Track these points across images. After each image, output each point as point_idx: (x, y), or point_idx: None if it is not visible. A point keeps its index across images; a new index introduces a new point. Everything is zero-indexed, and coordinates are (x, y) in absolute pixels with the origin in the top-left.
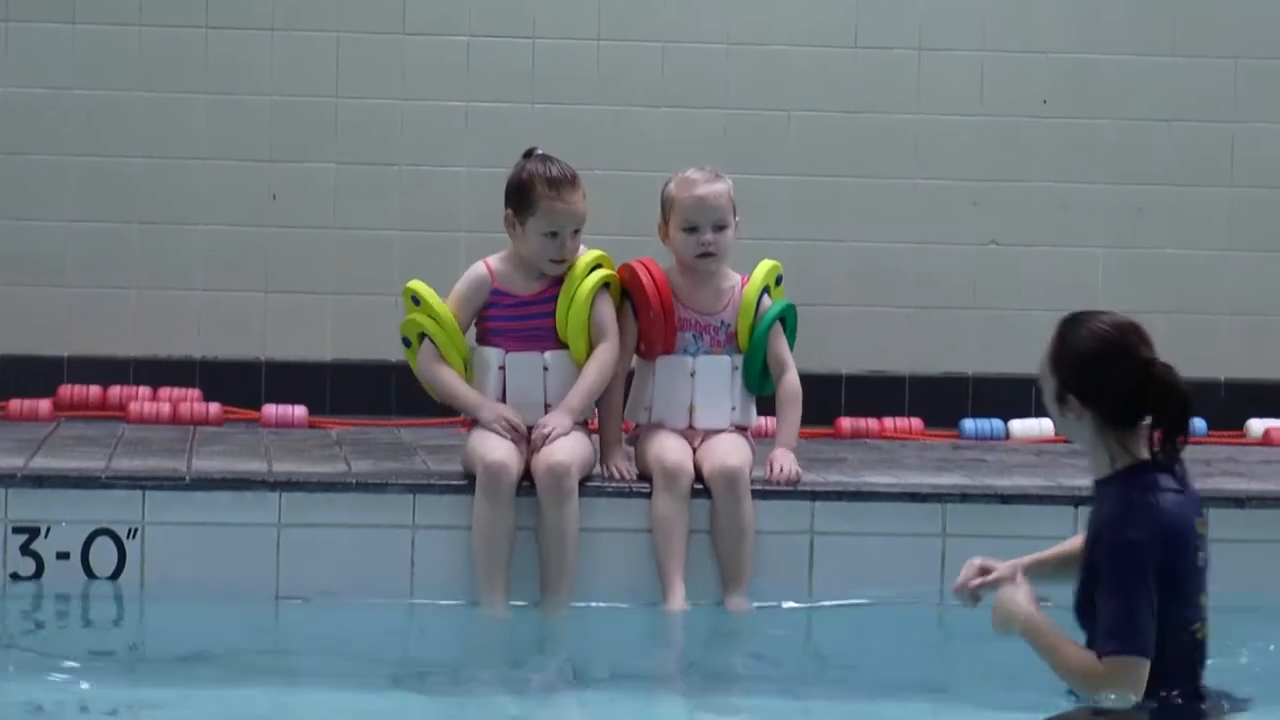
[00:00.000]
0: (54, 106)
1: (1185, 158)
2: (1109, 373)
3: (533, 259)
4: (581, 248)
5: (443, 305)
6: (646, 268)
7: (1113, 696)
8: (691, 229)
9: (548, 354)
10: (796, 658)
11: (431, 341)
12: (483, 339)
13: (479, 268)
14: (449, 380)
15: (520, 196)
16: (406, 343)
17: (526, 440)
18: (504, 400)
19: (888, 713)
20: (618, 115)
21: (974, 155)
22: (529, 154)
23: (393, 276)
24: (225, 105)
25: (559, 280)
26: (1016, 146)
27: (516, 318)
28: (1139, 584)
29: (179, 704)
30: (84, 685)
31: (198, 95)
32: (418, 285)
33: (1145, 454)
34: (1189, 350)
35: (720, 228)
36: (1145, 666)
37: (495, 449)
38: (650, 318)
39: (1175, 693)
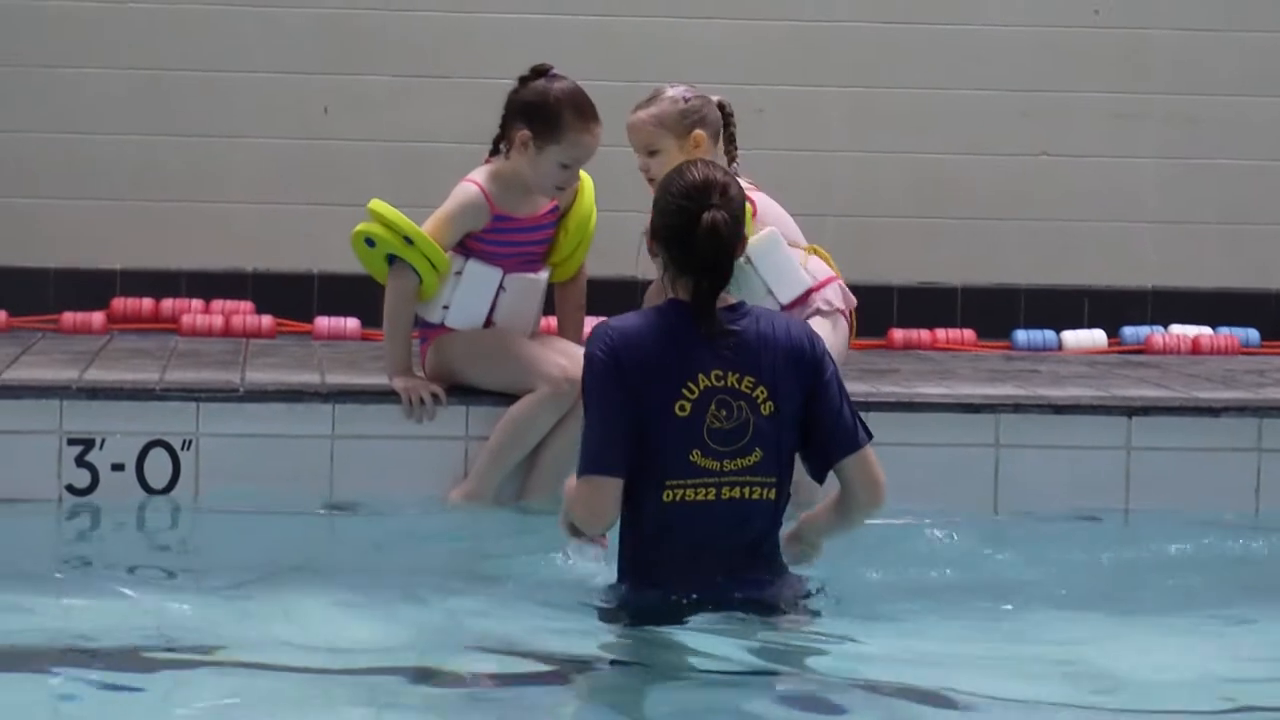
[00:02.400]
0: (106, 19)
1: (1238, 67)
2: (666, 219)
3: (537, 183)
4: None
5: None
6: None
7: (575, 517)
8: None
9: (543, 274)
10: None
11: (414, 272)
12: (471, 255)
13: (473, 191)
14: (403, 328)
15: (545, 120)
16: (371, 243)
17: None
18: (490, 319)
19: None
20: (667, 26)
21: (1025, 65)
22: (544, 72)
23: (444, 188)
24: (275, 18)
25: (553, 202)
26: (1068, 57)
27: (516, 242)
28: (597, 401)
29: (233, 615)
30: (138, 597)
31: (248, 8)
32: (382, 208)
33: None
34: (1243, 261)
35: (651, 152)
36: (597, 484)
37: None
38: None
39: (640, 558)
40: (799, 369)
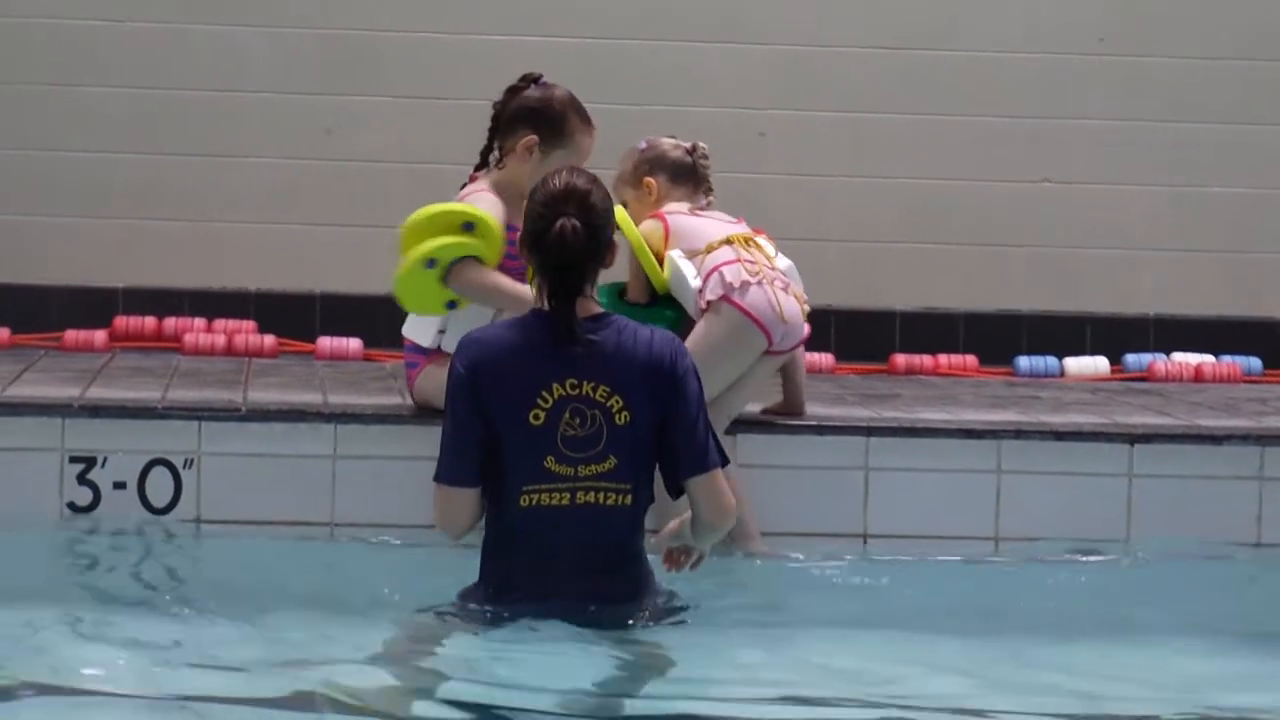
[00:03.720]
0: (108, 38)
1: (1240, 96)
2: (529, 225)
3: None
4: None
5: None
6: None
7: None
8: None
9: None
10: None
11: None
12: None
13: (494, 198)
14: (507, 282)
15: (551, 124)
16: (431, 264)
17: None
18: None
19: (929, 651)
20: (665, 51)
21: (1028, 92)
22: (535, 80)
23: None
24: (279, 38)
25: None
26: (1070, 84)
27: (512, 255)
28: (453, 411)
29: (231, 637)
30: (137, 616)
31: (252, 28)
32: (482, 213)
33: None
34: (1247, 289)
35: (623, 203)
36: (451, 494)
37: None
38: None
39: (499, 563)
40: (655, 384)
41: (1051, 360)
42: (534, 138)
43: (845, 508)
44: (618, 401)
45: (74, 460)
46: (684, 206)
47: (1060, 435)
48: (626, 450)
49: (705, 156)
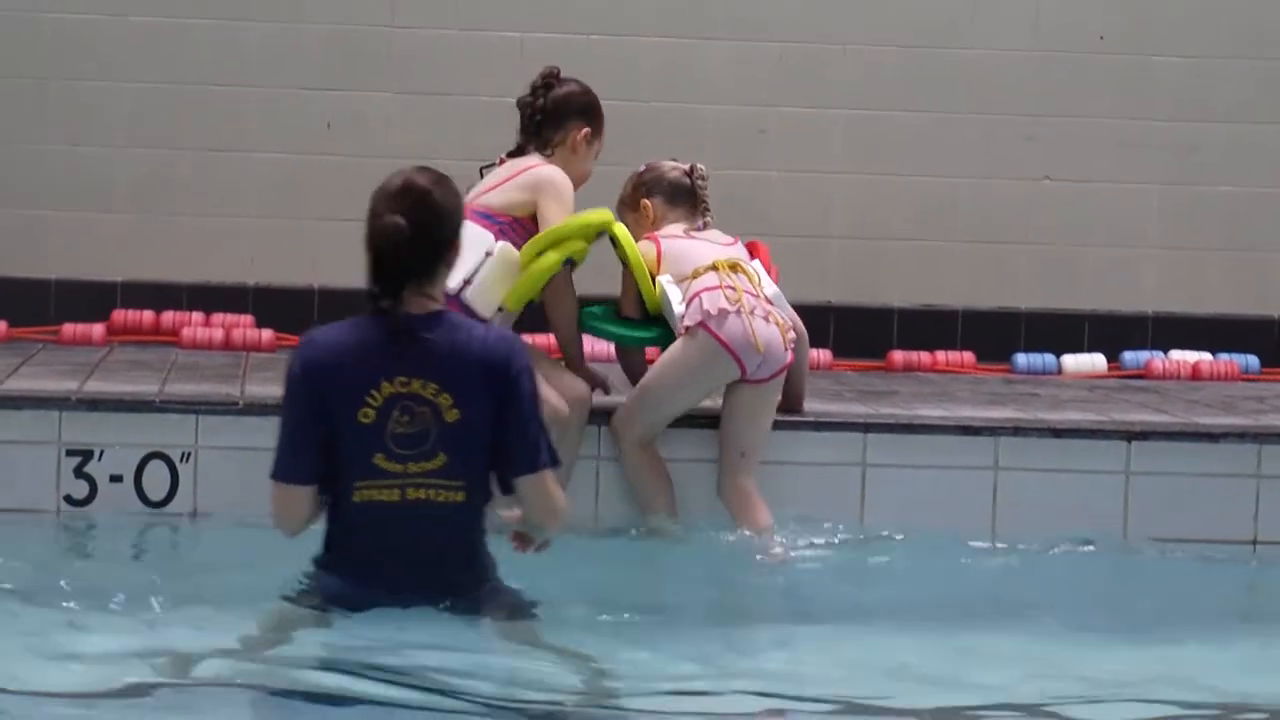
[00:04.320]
0: (110, 32)
1: (1241, 94)
2: (366, 222)
3: (582, 177)
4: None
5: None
6: None
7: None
8: None
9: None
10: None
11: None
12: (503, 237)
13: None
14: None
15: (594, 116)
16: (570, 264)
17: None
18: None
19: (912, 645)
20: (672, 47)
21: (1028, 90)
22: (558, 75)
23: None
24: (280, 33)
25: None
26: (1072, 82)
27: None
28: (289, 409)
29: (229, 627)
30: (133, 608)
31: (252, 23)
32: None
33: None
34: (1244, 287)
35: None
36: (287, 491)
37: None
38: None
39: (336, 555)
40: (489, 381)
41: (1049, 358)
42: (588, 130)
43: (842, 504)
44: (447, 399)
45: (71, 453)
46: (679, 228)
47: (1058, 432)
48: (457, 447)
49: (703, 178)
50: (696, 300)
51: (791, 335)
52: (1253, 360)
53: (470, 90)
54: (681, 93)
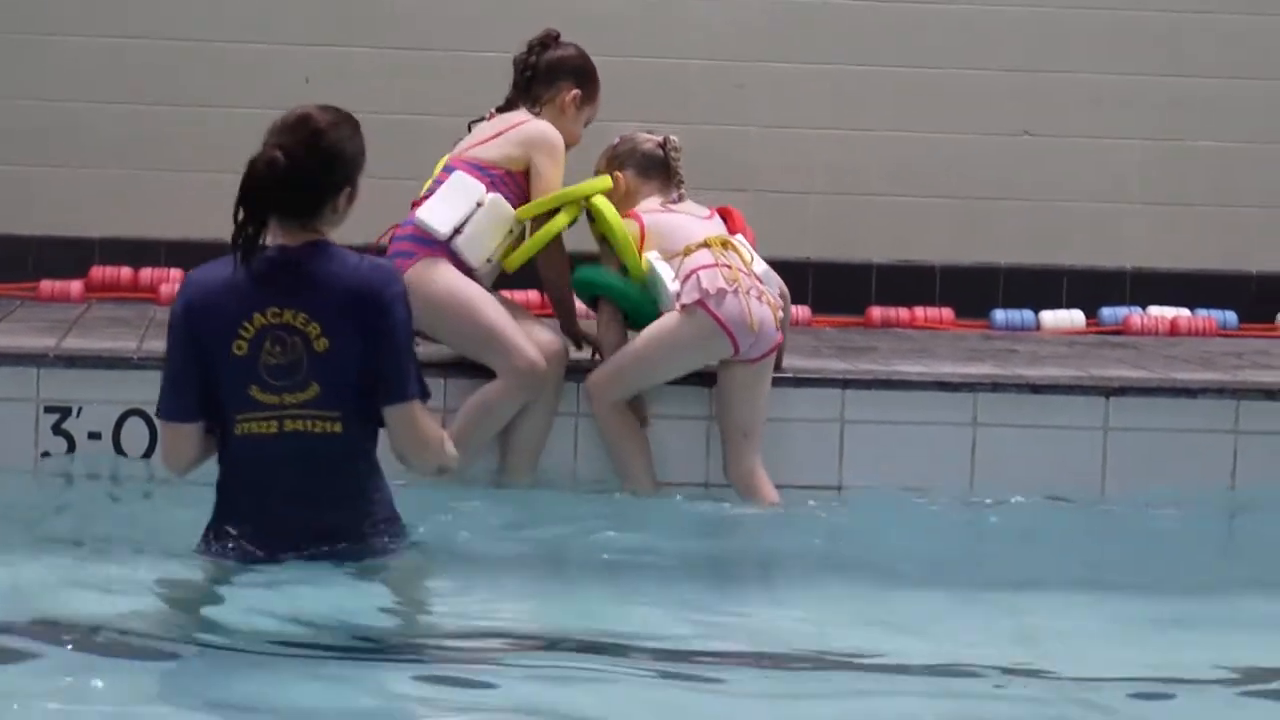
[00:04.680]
0: None
1: (1222, 50)
2: None
3: (570, 139)
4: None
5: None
6: None
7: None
8: None
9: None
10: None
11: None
12: (495, 189)
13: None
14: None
15: (589, 80)
16: (590, 217)
17: None
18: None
19: (899, 599)
20: (644, 3)
21: (1009, 45)
22: (557, 37)
23: (427, 162)
24: None
25: None
26: (1052, 37)
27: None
28: (171, 349)
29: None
30: (111, 565)
31: None
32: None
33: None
34: (1222, 243)
35: None
36: (172, 429)
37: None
38: None
39: (226, 495)
40: (360, 310)
41: (1028, 314)
42: (578, 92)
43: (821, 460)
44: (315, 329)
45: (49, 410)
46: (655, 202)
47: (1036, 388)
48: (328, 377)
49: (676, 149)
50: (694, 278)
51: (782, 313)
52: (1230, 316)
53: (449, 45)
54: (657, 48)
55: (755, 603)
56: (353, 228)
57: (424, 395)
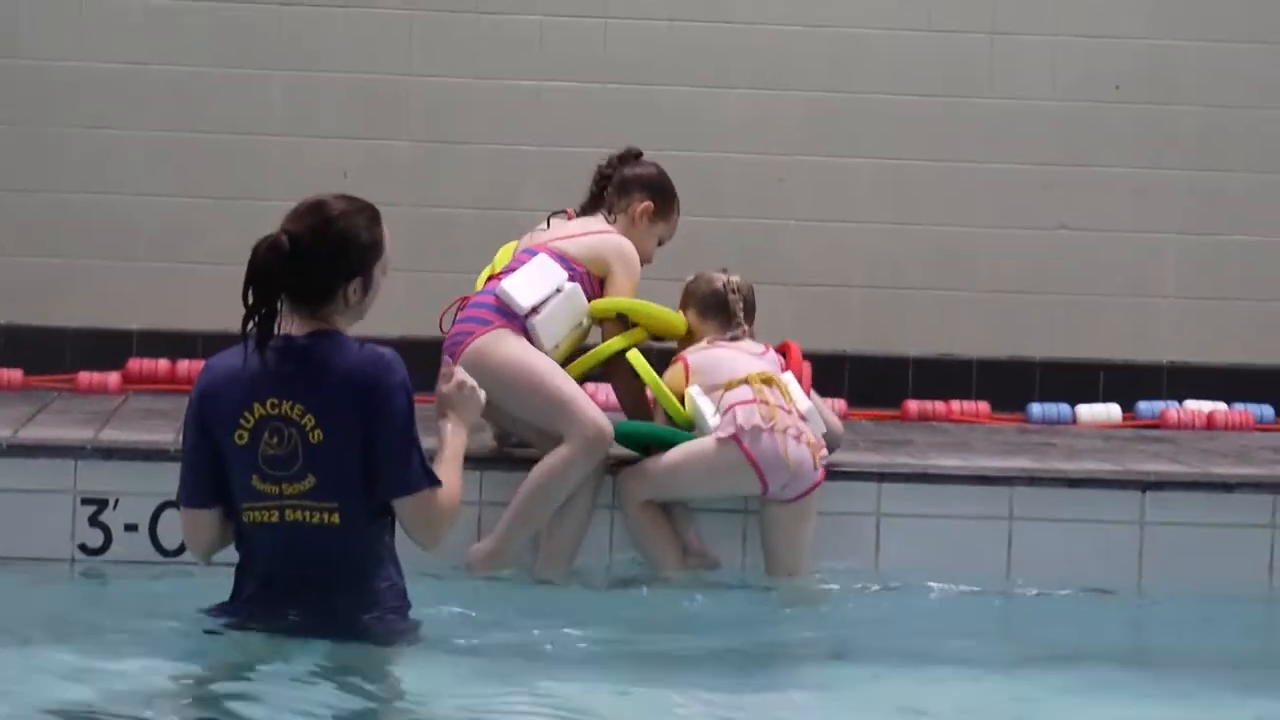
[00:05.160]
0: (132, 81)
1: (1257, 144)
2: None
3: (642, 253)
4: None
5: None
6: None
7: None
8: None
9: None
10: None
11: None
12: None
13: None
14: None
15: (665, 197)
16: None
17: None
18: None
19: (933, 694)
20: (692, 98)
21: (1046, 139)
22: (638, 155)
23: (462, 254)
24: (300, 82)
25: None
26: (1088, 131)
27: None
28: (186, 436)
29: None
30: (148, 657)
31: (272, 72)
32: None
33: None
34: (1259, 337)
35: None
36: (190, 515)
37: None
38: None
39: (241, 578)
40: (358, 401)
41: (1064, 407)
42: (650, 204)
43: (857, 553)
44: (310, 420)
45: (86, 502)
46: (705, 339)
47: (1073, 482)
48: (325, 469)
49: (735, 291)
50: (731, 413)
51: (824, 453)
52: (1268, 410)
53: (489, 139)
54: (699, 142)
55: (784, 694)
56: (392, 319)
57: (432, 483)
